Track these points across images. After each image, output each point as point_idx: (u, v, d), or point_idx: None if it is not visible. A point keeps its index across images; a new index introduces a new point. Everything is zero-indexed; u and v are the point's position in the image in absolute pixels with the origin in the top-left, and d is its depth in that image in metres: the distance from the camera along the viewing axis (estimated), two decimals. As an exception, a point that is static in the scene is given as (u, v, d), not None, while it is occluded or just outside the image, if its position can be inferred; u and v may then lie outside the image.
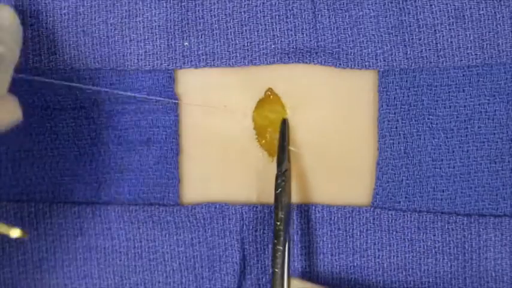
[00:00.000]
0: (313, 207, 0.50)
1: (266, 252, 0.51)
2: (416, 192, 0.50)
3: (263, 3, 0.50)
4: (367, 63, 0.50)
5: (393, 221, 0.50)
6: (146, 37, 0.50)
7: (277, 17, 0.50)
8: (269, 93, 0.51)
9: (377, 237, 0.50)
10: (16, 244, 0.51)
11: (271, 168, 0.50)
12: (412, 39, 0.49)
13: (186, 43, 0.50)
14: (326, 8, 0.50)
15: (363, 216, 0.50)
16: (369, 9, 0.50)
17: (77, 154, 0.51)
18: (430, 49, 0.49)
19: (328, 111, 0.51)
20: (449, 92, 0.50)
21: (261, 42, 0.50)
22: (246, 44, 0.50)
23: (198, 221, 0.50)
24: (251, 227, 0.50)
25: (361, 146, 0.51)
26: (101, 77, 0.50)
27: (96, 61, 0.50)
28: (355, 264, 0.50)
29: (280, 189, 0.48)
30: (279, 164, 0.49)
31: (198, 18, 0.50)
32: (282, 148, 0.50)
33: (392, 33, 0.50)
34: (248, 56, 0.50)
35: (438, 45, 0.49)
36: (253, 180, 0.51)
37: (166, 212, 0.50)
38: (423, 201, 0.50)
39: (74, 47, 0.50)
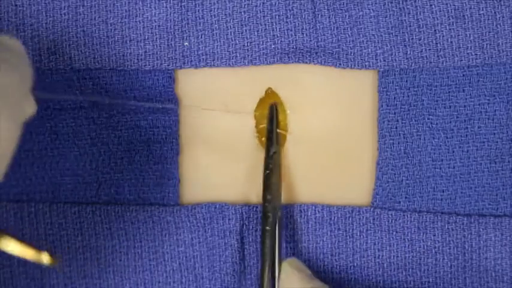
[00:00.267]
0: (313, 207, 0.50)
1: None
2: (416, 192, 0.50)
3: (263, 3, 0.50)
4: (367, 63, 0.50)
5: (393, 221, 0.50)
6: (146, 37, 0.50)
7: (277, 17, 0.50)
8: (269, 92, 0.51)
9: (377, 237, 0.50)
10: (16, 244, 0.50)
11: (271, 168, 0.50)
12: (412, 39, 0.49)
13: (186, 43, 0.50)
14: (326, 8, 0.50)
15: (363, 216, 0.50)
16: (369, 9, 0.50)
17: (77, 154, 0.51)
18: (430, 49, 0.49)
19: (328, 111, 0.51)
20: (449, 92, 0.50)
21: (261, 42, 0.50)
22: (246, 44, 0.50)
23: (198, 221, 0.50)
24: (251, 227, 0.50)
25: (361, 146, 0.51)
26: (100, 77, 0.50)
27: (96, 61, 0.50)
28: (355, 264, 0.50)
29: (268, 171, 0.48)
30: (268, 147, 0.49)
31: (198, 18, 0.50)
32: (270, 132, 0.50)
33: (392, 33, 0.50)
34: (248, 56, 0.50)
35: (438, 45, 0.49)
36: (253, 180, 0.51)
37: (166, 212, 0.50)
38: (423, 201, 0.50)
39: (74, 47, 0.50)
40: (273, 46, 0.50)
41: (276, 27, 0.50)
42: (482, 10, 0.49)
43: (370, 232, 0.50)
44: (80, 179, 0.51)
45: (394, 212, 0.50)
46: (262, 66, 0.50)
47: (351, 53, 0.50)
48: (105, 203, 0.51)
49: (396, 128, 0.50)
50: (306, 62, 0.50)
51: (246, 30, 0.50)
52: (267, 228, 0.47)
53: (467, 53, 0.49)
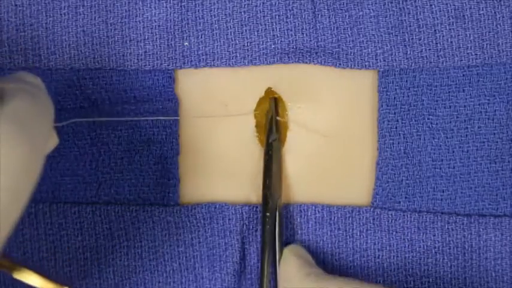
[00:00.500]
0: (313, 207, 0.50)
1: (266, 252, 0.51)
2: (416, 192, 0.50)
3: (263, 3, 0.50)
4: (367, 63, 0.50)
5: (393, 221, 0.50)
6: (146, 37, 0.50)
7: (277, 17, 0.50)
8: (269, 92, 0.51)
9: (377, 237, 0.50)
10: (16, 244, 0.50)
11: (271, 168, 0.50)
12: (412, 39, 0.50)
13: (186, 43, 0.50)
14: (326, 8, 0.50)
15: (363, 216, 0.50)
16: (369, 9, 0.50)
17: (77, 154, 0.51)
18: (430, 49, 0.49)
19: (328, 111, 0.51)
20: (449, 92, 0.50)
21: (261, 42, 0.50)
22: (246, 44, 0.50)
23: (198, 221, 0.50)
24: (251, 227, 0.50)
25: (361, 146, 0.51)
26: (100, 77, 0.50)
27: (96, 61, 0.50)
28: (355, 264, 0.50)
29: (267, 157, 0.48)
30: (268, 135, 0.49)
31: (198, 18, 0.50)
32: (270, 121, 0.50)
33: (392, 33, 0.50)
34: (248, 56, 0.50)
35: (438, 45, 0.49)
36: (253, 180, 0.51)
37: (166, 212, 0.50)
38: (423, 201, 0.50)
39: (74, 47, 0.50)
40: (273, 46, 0.50)
41: (276, 27, 0.50)
42: (482, 10, 0.49)
43: (370, 232, 0.50)
44: (80, 179, 0.51)
45: (394, 212, 0.50)
46: (262, 66, 0.50)
47: (351, 53, 0.50)
48: (105, 203, 0.51)
49: (396, 128, 0.50)
50: (306, 62, 0.50)
51: (246, 30, 0.50)
52: (267, 214, 0.48)
53: (467, 53, 0.49)
